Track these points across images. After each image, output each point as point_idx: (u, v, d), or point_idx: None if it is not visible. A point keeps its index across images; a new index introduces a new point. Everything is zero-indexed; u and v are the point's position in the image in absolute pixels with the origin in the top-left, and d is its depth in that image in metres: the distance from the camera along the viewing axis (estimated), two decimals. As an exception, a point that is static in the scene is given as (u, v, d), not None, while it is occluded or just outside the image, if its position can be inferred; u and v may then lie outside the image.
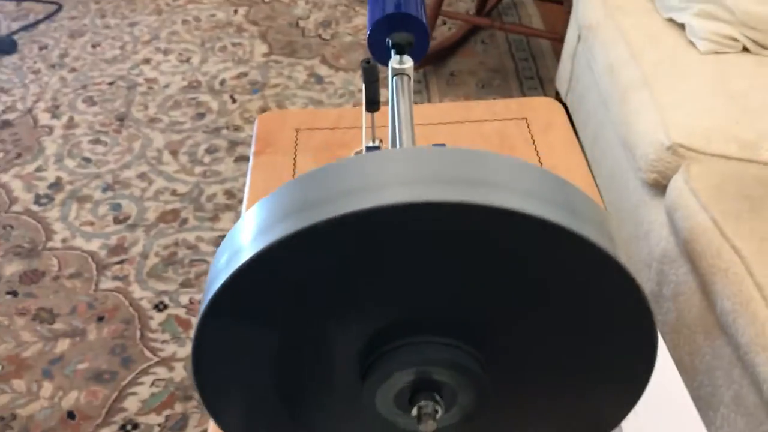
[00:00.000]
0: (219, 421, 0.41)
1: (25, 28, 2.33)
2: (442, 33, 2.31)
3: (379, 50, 0.70)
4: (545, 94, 2.05)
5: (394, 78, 0.65)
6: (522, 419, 0.44)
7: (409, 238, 0.34)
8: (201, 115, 1.97)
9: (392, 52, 0.65)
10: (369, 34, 0.68)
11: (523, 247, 0.35)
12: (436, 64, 2.18)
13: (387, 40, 0.65)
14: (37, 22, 2.37)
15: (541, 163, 1.03)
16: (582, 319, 0.39)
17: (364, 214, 0.33)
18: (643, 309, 0.38)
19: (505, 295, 0.37)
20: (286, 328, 0.37)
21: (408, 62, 0.65)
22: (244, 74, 2.12)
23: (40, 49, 2.24)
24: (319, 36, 2.30)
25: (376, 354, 0.38)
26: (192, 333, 0.38)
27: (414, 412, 0.38)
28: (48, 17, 2.39)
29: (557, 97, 1.87)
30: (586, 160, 1.59)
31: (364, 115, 0.66)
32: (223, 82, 2.09)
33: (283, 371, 0.39)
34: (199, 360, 0.38)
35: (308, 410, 0.41)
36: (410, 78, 0.66)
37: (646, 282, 1.23)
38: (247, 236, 0.35)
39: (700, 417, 0.73)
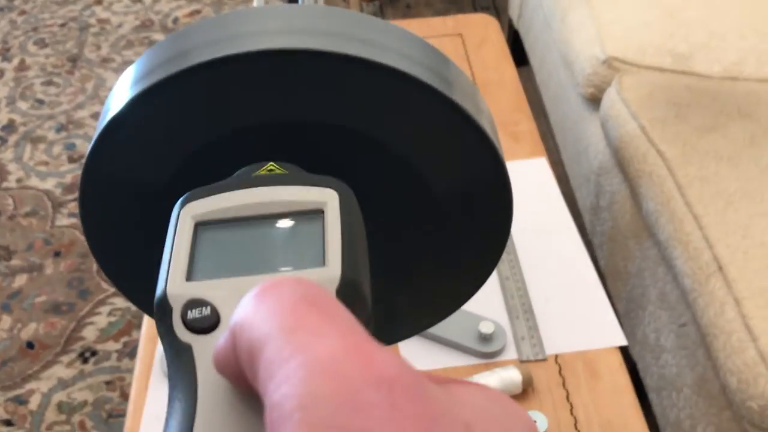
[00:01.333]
0: (110, 275, 0.43)
1: (-28, -28, 2.28)
2: (398, -35, 2.29)
3: None
4: (500, 23, 2.05)
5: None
6: (393, 281, 0.46)
7: (272, 88, 0.36)
8: (154, 54, 1.95)
9: None
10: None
11: (385, 102, 0.37)
12: (392, -3, 2.17)
13: None
14: (-15, -34, 2.31)
15: (474, 77, 1.05)
16: (444, 179, 0.41)
17: (221, 60, 0.35)
18: (500, 175, 0.40)
19: (371, 152, 0.39)
20: (163, 177, 0.40)
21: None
22: (198, 12, 2.10)
23: (-11, -8, 2.20)
24: (274, -28, 2.27)
25: None
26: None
27: None
28: (-5, -40, 2.34)
29: (510, 24, 1.87)
30: (536, 84, 1.61)
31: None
32: (176, 21, 2.07)
33: (165, 223, 0.42)
34: (86, 213, 0.41)
35: None
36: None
37: (585, 196, 1.27)
38: (120, 91, 0.37)
39: (610, 304, 0.77)
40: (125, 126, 0.37)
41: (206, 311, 0.26)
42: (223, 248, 0.29)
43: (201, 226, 0.30)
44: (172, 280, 0.27)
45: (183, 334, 0.26)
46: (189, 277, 0.27)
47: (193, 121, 0.37)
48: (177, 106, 0.36)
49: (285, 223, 0.29)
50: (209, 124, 0.37)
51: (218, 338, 0.23)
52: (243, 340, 0.21)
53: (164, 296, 0.27)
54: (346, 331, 0.20)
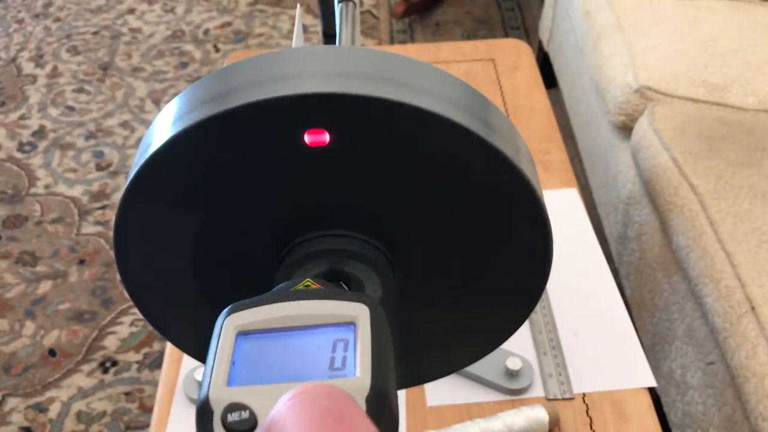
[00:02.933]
0: (139, 306, 0.43)
1: (9, -22, 2.32)
2: (429, -17, 2.29)
3: None
4: (529, 44, 2.04)
5: (340, 4, 0.66)
6: (427, 321, 0.46)
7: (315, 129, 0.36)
8: (184, 65, 1.97)
9: None
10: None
11: (428, 147, 0.37)
12: (422, 14, 2.17)
13: None
14: (22, -28, 2.35)
15: (505, 103, 1.04)
16: (483, 222, 0.41)
17: (266, 103, 0.35)
18: (540, 219, 0.40)
19: (412, 195, 0.39)
20: (201, 214, 0.39)
21: (353, -11, 0.66)
22: (228, 24, 2.12)
23: (25, -2, 2.23)
24: (305, -14, 2.29)
25: (291, 244, 0.40)
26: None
27: None
28: (32, -33, 2.37)
29: (540, 46, 1.86)
30: (565, 108, 1.60)
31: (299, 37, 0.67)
32: (207, 32, 2.09)
33: (200, 258, 0.41)
34: (121, 244, 0.41)
35: (226, 298, 0.43)
36: (355, 5, 0.67)
37: (613, 224, 1.25)
38: (162, 126, 0.37)
39: (639, 342, 0.75)
40: (165, 162, 0.37)
41: (245, 415, 0.27)
42: (262, 356, 0.30)
43: (242, 335, 0.31)
44: (214, 385, 0.29)
45: None
46: (230, 382, 0.29)
47: (233, 162, 0.37)
48: (217, 146, 0.36)
49: (320, 334, 0.31)
50: (249, 166, 0.37)
51: None
52: None
53: (206, 400, 0.28)
54: None
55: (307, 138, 0.36)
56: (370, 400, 0.28)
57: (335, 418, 0.22)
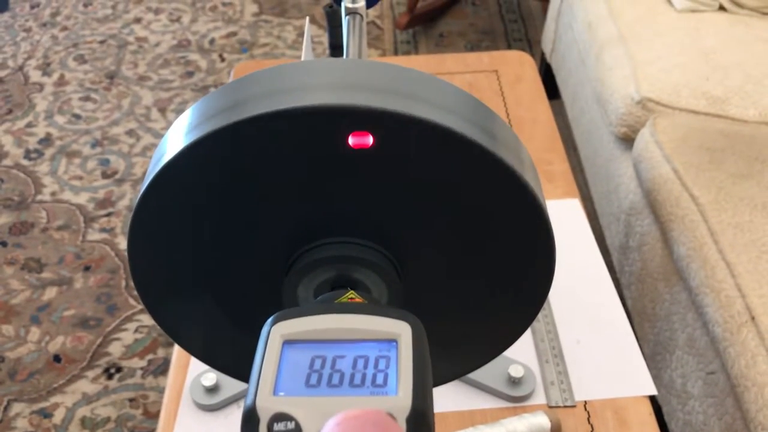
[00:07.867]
0: (150, 309, 0.44)
1: (17, -13, 2.34)
2: (432, -6, 2.30)
3: None
4: (532, 56, 2.05)
5: (347, 17, 0.67)
6: (432, 327, 0.47)
7: (322, 142, 0.37)
8: (190, 74, 1.99)
9: None
10: (327, -23, 0.71)
11: (434, 157, 0.38)
12: (426, 26, 2.18)
13: None
14: (30, -19, 2.37)
15: (508, 114, 1.06)
16: (487, 231, 0.42)
17: (275, 115, 0.36)
18: (544, 228, 0.41)
19: (417, 203, 0.40)
20: (212, 222, 0.40)
21: (360, 2, 0.67)
22: (234, 33, 2.13)
23: (32, 7, 2.25)
24: (310, -4, 2.30)
25: (299, 251, 0.41)
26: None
27: None
28: (40, -24, 2.40)
29: (542, 57, 1.88)
30: (567, 119, 1.61)
31: (308, 51, 0.68)
32: (212, 42, 2.11)
33: (209, 264, 0.42)
34: (134, 252, 0.42)
35: (235, 303, 0.44)
36: (362, 17, 0.68)
37: (615, 234, 1.26)
38: (175, 137, 0.38)
39: (640, 351, 0.76)
40: (178, 172, 0.38)
41: (291, 426, 0.28)
42: (307, 366, 0.31)
43: (288, 344, 0.32)
44: (261, 393, 0.30)
45: None
46: (276, 390, 0.30)
47: (245, 172, 0.38)
48: (229, 156, 0.37)
49: (362, 349, 0.32)
50: (260, 175, 0.38)
51: None
52: None
53: (253, 407, 0.29)
54: None
55: (351, 140, 0.37)
56: (410, 420, 0.29)
57: None
